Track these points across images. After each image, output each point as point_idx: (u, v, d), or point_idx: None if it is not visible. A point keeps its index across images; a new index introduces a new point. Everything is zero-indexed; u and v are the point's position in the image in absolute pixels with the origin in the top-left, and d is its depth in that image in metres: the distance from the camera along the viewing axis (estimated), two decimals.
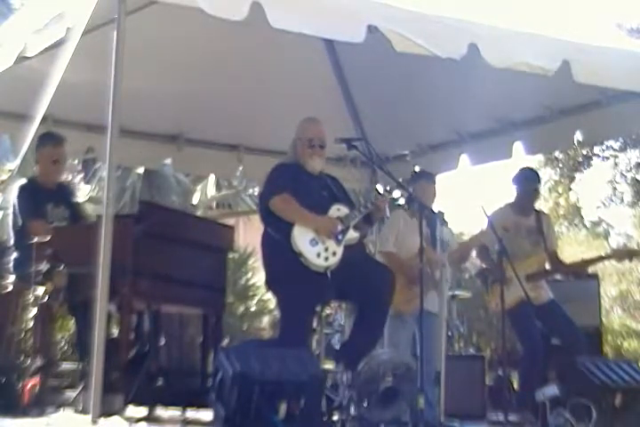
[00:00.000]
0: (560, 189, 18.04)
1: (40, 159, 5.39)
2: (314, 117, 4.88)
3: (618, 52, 4.84)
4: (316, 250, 4.47)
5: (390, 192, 4.84)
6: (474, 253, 6.07)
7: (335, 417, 4.39)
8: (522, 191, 5.93)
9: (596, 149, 16.12)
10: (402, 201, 5.96)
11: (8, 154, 7.88)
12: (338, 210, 4.65)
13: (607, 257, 6.27)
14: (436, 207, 5.36)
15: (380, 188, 4.84)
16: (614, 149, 16.15)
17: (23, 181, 5.36)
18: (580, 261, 5.98)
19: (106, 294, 3.75)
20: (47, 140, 5.34)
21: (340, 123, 6.65)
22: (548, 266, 5.88)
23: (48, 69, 3.99)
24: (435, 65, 4.61)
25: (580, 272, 6.29)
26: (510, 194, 6.07)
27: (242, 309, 11.18)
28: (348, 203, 4.76)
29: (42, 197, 5.30)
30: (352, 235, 4.62)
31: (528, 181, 5.96)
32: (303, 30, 4.02)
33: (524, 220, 5.90)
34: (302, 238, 4.46)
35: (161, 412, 4.82)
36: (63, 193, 5.51)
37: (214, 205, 13.96)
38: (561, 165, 16.77)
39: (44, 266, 4.41)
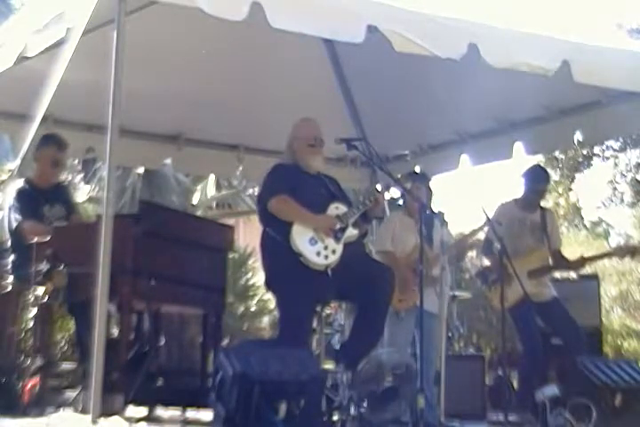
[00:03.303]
0: (560, 189, 18.02)
1: (40, 159, 5.37)
2: (310, 117, 4.90)
3: (618, 52, 4.84)
4: (316, 249, 4.47)
5: (388, 189, 4.83)
6: (474, 253, 6.08)
7: (335, 417, 4.39)
8: (529, 189, 5.95)
9: (596, 149, 16.09)
10: (401, 201, 5.95)
11: (8, 154, 7.88)
12: (336, 208, 4.66)
13: (609, 254, 6.28)
14: (436, 207, 5.38)
15: (379, 187, 4.83)
16: (614, 149, 16.13)
17: (20, 183, 5.34)
18: (582, 259, 5.99)
19: (106, 294, 3.74)
20: (51, 141, 5.34)
21: (339, 123, 6.66)
22: (550, 262, 5.89)
23: (48, 69, 3.99)
24: (435, 65, 4.61)
25: (582, 269, 6.30)
26: (510, 194, 6.10)
27: (242, 309, 11.17)
28: (345, 201, 4.77)
29: (38, 198, 5.28)
30: (351, 232, 4.63)
31: (538, 180, 5.97)
32: (303, 30, 4.02)
33: (528, 215, 5.93)
34: (301, 238, 4.46)
35: (161, 412, 4.82)
36: (59, 192, 5.49)
37: (214, 205, 13.97)
38: (561, 165, 16.75)
39: (43, 266, 4.41)
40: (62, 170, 5.76)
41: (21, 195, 5.25)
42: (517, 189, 6.05)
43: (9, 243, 5.22)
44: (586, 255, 6.12)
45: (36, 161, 5.41)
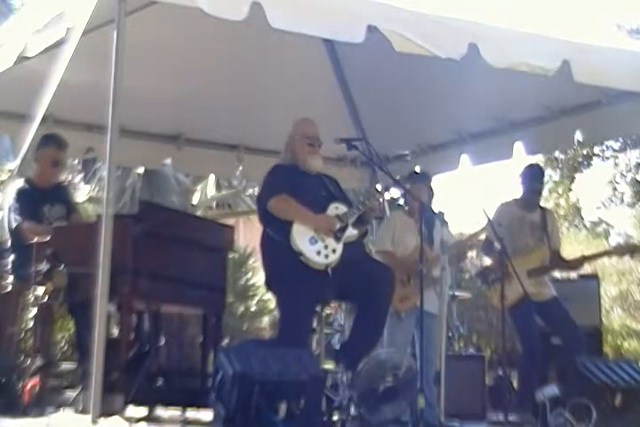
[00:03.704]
0: (560, 190, 18.03)
1: (40, 159, 5.38)
2: (308, 117, 4.90)
3: (618, 52, 4.84)
4: (316, 248, 4.48)
5: (388, 190, 4.84)
6: (474, 253, 6.08)
7: (335, 417, 4.39)
8: (527, 189, 5.96)
9: (596, 149, 16.10)
10: (402, 201, 5.96)
11: (8, 154, 7.88)
12: (336, 208, 4.66)
13: (608, 253, 6.29)
14: (436, 207, 5.38)
15: (379, 187, 4.83)
16: (614, 149, 16.13)
17: (20, 182, 5.34)
18: (582, 258, 6.00)
19: (106, 294, 3.74)
20: (51, 141, 5.35)
21: (340, 123, 6.66)
22: (549, 262, 5.89)
23: (48, 69, 3.99)
24: (435, 65, 4.61)
25: (581, 268, 6.31)
26: (510, 194, 6.10)
27: (242, 309, 11.17)
28: (345, 201, 4.77)
29: (38, 198, 5.29)
30: (351, 232, 4.64)
31: (533, 179, 5.98)
32: (303, 30, 4.02)
33: (528, 215, 5.94)
34: (302, 237, 4.46)
35: (161, 412, 4.82)
36: (59, 193, 5.50)
37: (214, 205, 13.96)
38: (561, 166, 16.77)
39: (43, 266, 4.41)
40: (62, 170, 5.76)
41: (21, 195, 5.25)
42: (517, 189, 6.08)
43: (9, 243, 5.22)
44: (585, 254, 6.13)
45: (36, 161, 5.41)
